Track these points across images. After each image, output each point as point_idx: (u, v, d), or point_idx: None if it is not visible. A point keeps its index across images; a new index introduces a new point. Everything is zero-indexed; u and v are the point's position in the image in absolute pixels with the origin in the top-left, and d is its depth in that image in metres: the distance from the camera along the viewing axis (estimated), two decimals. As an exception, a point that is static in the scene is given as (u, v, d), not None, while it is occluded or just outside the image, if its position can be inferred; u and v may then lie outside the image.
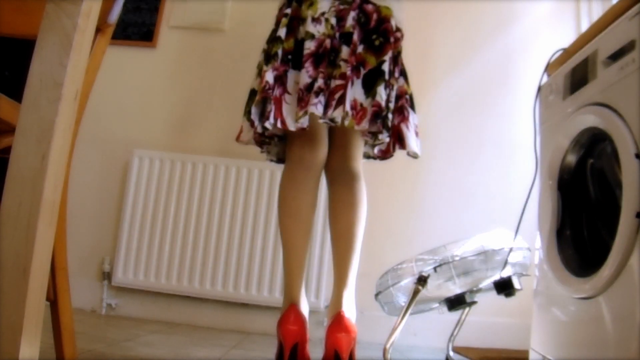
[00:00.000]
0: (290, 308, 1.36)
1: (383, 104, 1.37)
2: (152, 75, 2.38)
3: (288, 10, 1.46)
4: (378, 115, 1.37)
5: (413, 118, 1.51)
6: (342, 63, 1.39)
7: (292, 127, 1.37)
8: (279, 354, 1.39)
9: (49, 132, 0.60)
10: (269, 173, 2.15)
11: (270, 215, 2.12)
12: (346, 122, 1.36)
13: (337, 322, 1.32)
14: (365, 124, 1.37)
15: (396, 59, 1.47)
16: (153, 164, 2.19)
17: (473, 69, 2.32)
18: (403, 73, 1.52)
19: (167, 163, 2.19)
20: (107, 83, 2.22)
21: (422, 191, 2.23)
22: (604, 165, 1.26)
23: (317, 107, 1.35)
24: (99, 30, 0.98)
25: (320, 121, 1.39)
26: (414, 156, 1.49)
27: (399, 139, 1.46)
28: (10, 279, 0.57)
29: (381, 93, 1.37)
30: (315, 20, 1.41)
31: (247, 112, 1.49)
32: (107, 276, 2.17)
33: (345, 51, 1.40)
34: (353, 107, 1.37)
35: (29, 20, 0.95)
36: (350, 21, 1.41)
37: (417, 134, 1.51)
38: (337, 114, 1.36)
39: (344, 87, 1.36)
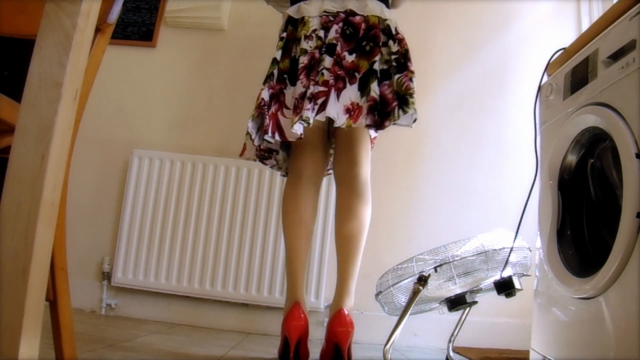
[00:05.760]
0: (295, 306, 1.48)
1: (377, 98, 1.46)
2: (151, 75, 2.38)
3: (284, 34, 1.58)
4: (373, 108, 1.46)
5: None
6: (324, 71, 1.47)
7: (290, 137, 1.48)
8: (283, 348, 1.48)
9: (48, 132, 0.60)
10: (269, 173, 2.15)
11: (269, 215, 2.12)
12: (343, 125, 1.45)
13: (338, 318, 1.45)
14: (362, 120, 1.46)
15: (405, 55, 1.54)
16: (152, 164, 2.19)
17: (473, 69, 2.32)
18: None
19: (167, 163, 2.19)
20: (106, 83, 2.22)
21: (422, 191, 2.23)
22: (604, 165, 1.25)
23: (310, 112, 1.43)
24: (98, 30, 0.98)
25: (311, 120, 1.44)
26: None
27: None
28: (9, 279, 0.57)
29: (375, 89, 1.46)
30: (308, 37, 1.53)
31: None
32: (106, 276, 2.16)
33: (328, 61, 1.48)
34: (349, 110, 1.47)
35: (28, 20, 0.95)
36: (333, 33, 1.51)
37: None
38: (333, 114, 1.45)
39: (326, 94, 1.45)
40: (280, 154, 1.70)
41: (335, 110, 1.45)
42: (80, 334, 1.53)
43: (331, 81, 1.46)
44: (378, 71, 1.49)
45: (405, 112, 1.46)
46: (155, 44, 2.39)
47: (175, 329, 1.98)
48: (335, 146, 1.69)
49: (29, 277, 0.57)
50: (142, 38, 2.39)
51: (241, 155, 1.62)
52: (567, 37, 1.89)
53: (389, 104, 1.47)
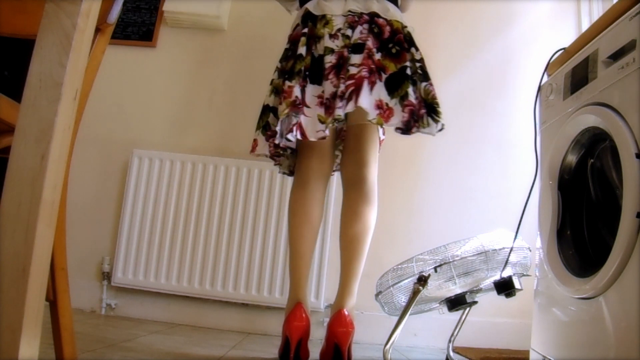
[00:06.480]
0: (297, 306, 1.47)
1: (415, 103, 1.45)
2: (151, 75, 2.38)
3: (305, 30, 1.53)
4: (414, 113, 1.45)
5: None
6: (350, 67, 1.45)
7: (312, 137, 1.44)
8: (284, 348, 1.49)
9: (48, 132, 0.60)
10: (269, 173, 2.15)
11: (270, 215, 2.12)
12: (374, 120, 1.43)
13: (338, 318, 1.45)
14: (393, 121, 1.44)
15: (422, 61, 1.56)
16: (153, 164, 2.19)
17: (473, 69, 2.32)
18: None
19: (167, 163, 2.19)
20: (106, 83, 2.22)
21: (423, 191, 2.23)
22: (604, 165, 1.25)
23: (341, 110, 1.41)
24: (98, 30, 0.98)
25: (336, 125, 1.44)
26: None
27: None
28: (9, 279, 0.57)
29: (412, 94, 1.46)
30: (333, 36, 1.51)
31: (262, 127, 1.56)
32: (106, 276, 2.16)
33: (356, 58, 1.46)
34: (379, 107, 1.44)
35: (28, 20, 0.95)
36: (358, 33, 1.49)
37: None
38: (350, 108, 1.41)
39: (354, 85, 1.42)
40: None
41: (368, 102, 1.43)
42: (80, 334, 1.53)
43: (364, 73, 1.43)
44: (410, 77, 1.48)
45: (435, 121, 1.48)
46: (155, 44, 2.39)
47: (175, 329, 1.98)
48: (343, 146, 1.67)
49: (29, 277, 0.57)
50: (142, 38, 2.39)
51: (252, 151, 1.59)
52: (567, 37, 1.89)
53: (417, 111, 1.47)
